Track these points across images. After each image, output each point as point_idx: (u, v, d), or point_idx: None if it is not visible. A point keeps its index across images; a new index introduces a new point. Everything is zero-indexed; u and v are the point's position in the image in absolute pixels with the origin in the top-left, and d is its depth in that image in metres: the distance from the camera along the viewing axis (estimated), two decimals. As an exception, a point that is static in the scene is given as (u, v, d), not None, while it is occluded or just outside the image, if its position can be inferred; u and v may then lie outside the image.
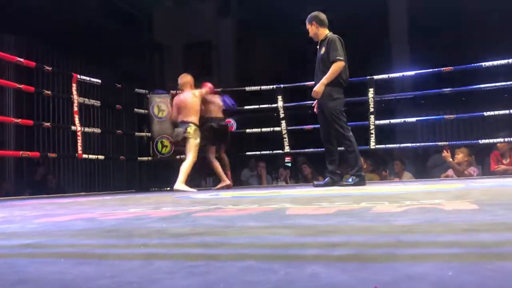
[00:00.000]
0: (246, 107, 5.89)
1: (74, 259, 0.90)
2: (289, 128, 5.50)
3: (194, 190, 4.50)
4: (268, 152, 5.83)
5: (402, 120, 5.44)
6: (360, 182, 3.78)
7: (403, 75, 5.38)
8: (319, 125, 4.14)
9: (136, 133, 6.06)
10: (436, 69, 5.11)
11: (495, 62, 4.81)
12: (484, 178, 4.60)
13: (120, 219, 1.61)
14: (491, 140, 5.01)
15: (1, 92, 6.07)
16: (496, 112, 4.89)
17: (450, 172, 5.44)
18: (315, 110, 4.13)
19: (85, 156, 4.91)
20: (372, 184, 4.46)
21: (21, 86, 4.41)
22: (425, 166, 6.47)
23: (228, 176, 5.09)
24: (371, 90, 5.18)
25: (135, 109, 5.90)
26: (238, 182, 6.47)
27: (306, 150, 5.64)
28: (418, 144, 6.18)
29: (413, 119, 5.42)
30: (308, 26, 4.03)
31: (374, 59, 6.79)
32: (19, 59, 4.32)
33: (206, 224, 1.34)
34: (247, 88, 5.76)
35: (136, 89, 5.83)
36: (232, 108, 5.34)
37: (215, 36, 8.58)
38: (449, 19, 6.60)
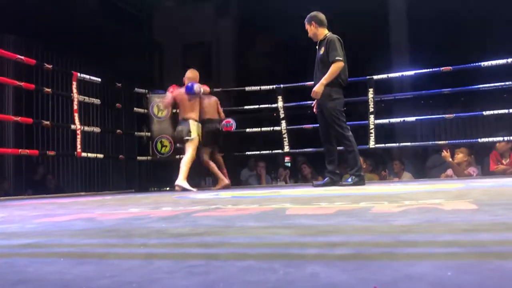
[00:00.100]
0: (246, 107, 5.89)
1: (74, 259, 0.90)
2: (288, 127, 5.50)
3: (194, 190, 4.51)
4: (267, 152, 5.83)
5: (402, 119, 5.45)
6: (360, 182, 3.78)
7: (403, 75, 5.38)
8: (318, 125, 4.15)
9: (135, 133, 6.06)
10: (436, 69, 5.12)
11: (494, 62, 4.82)
12: (484, 178, 4.61)
13: (119, 219, 1.61)
14: (490, 139, 5.02)
15: (1, 90, 6.06)
16: (496, 112, 4.90)
17: (449, 172, 5.44)
18: (314, 110, 4.13)
19: (84, 154, 4.92)
20: (372, 184, 4.47)
21: (22, 83, 4.41)
22: (424, 166, 6.47)
23: (224, 175, 5.09)
24: (371, 90, 5.19)
25: (135, 109, 5.91)
26: (237, 182, 6.47)
27: (306, 150, 5.64)
28: (417, 143, 6.18)
29: (413, 119, 5.42)
30: (307, 26, 4.03)
31: (373, 59, 6.79)
32: (19, 56, 4.32)
33: (206, 224, 1.34)
34: (247, 88, 5.76)
35: (135, 89, 5.83)
36: (192, 93, 4.81)
37: (215, 36, 8.57)
38: (449, 19, 6.59)
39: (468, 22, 6.44)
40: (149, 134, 5.78)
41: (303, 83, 5.32)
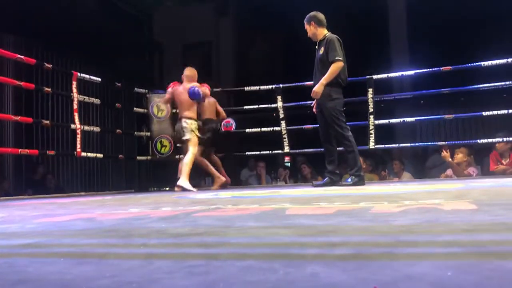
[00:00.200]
0: (245, 107, 5.89)
1: (74, 259, 0.90)
2: (288, 128, 5.50)
3: (194, 190, 4.50)
4: (267, 152, 5.83)
5: (401, 120, 5.44)
6: (359, 182, 3.78)
7: (402, 74, 5.38)
8: (318, 125, 4.15)
9: (135, 133, 6.06)
10: (435, 69, 5.11)
11: (494, 62, 4.81)
12: (483, 178, 4.61)
13: (119, 219, 1.61)
14: (490, 140, 5.02)
15: (1, 89, 6.06)
16: (495, 112, 4.90)
17: (449, 172, 5.44)
18: (314, 110, 4.13)
19: (84, 154, 4.91)
20: (371, 184, 4.47)
21: (21, 83, 4.41)
22: (424, 166, 6.47)
23: (222, 174, 5.08)
24: (370, 90, 5.19)
25: (135, 109, 5.91)
26: (237, 182, 6.47)
27: (306, 150, 5.64)
28: (417, 143, 6.18)
29: (412, 119, 5.42)
30: (306, 26, 4.03)
31: (373, 59, 6.79)
32: (19, 56, 4.33)
33: (206, 224, 1.34)
34: (246, 88, 5.76)
35: (135, 89, 5.83)
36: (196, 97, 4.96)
37: (215, 36, 8.57)
38: (449, 19, 6.60)
39: (468, 22, 6.45)
40: (149, 134, 5.78)
41: (303, 83, 5.32)
